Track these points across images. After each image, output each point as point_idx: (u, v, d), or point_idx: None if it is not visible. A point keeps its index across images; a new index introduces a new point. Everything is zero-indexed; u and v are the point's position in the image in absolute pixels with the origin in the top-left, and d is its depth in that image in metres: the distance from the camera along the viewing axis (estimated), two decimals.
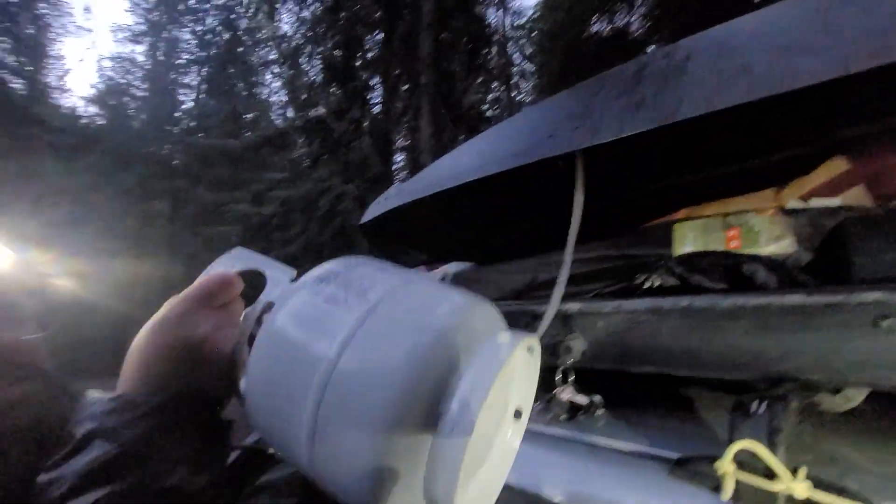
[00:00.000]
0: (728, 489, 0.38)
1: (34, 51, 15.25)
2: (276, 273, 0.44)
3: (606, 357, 0.66)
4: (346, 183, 7.60)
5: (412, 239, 1.40)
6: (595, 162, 0.68)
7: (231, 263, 0.45)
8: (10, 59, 14.28)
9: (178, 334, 0.38)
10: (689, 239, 0.72)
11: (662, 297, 0.59)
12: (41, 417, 0.46)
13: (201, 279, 0.42)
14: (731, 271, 0.63)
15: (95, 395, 0.41)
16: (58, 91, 15.87)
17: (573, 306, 0.67)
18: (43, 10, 15.48)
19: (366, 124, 9.55)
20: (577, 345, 0.68)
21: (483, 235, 1.18)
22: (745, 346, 0.50)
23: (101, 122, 16.75)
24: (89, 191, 10.39)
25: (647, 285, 0.69)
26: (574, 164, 0.69)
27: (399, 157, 11.09)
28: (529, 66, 12.72)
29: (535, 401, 0.73)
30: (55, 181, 9.09)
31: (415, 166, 8.35)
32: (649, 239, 0.75)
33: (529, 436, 0.66)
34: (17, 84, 14.30)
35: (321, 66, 10.29)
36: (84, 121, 15.73)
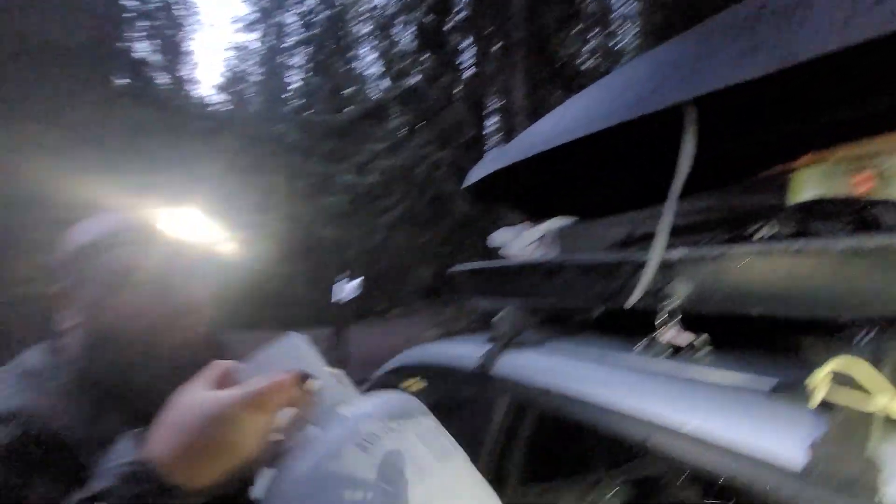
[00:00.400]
0: (817, 398, 0.41)
1: (172, 48, 17.58)
2: (323, 377, 0.44)
3: (711, 301, 0.69)
4: (441, 150, 7.78)
5: (513, 199, 1.47)
6: (705, 111, 0.68)
7: (285, 357, 0.43)
8: (156, 58, 16.65)
9: (223, 435, 0.38)
10: (809, 186, 0.70)
11: (773, 241, 0.60)
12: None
13: (260, 382, 0.40)
14: (855, 217, 0.61)
15: (126, 443, 0.41)
16: (191, 83, 18.22)
17: (677, 253, 0.70)
18: (178, 12, 17.67)
19: (458, 89, 9.56)
20: (681, 290, 0.71)
21: (584, 191, 1.21)
22: (860, 287, 0.51)
23: (227, 107, 18.93)
24: (224, 169, 11.96)
25: (758, 236, 0.69)
26: (682, 115, 0.70)
27: (492, 121, 10.97)
28: (629, 10, 11.51)
29: (636, 342, 0.78)
30: (199, 163, 10.61)
31: (508, 128, 8.22)
32: (761, 189, 0.73)
33: (630, 369, 0.72)
34: (162, 80, 16.69)
35: (413, 33, 10.42)
36: (214, 108, 17.92)
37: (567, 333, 1.02)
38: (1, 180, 1.11)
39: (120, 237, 0.58)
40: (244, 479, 0.46)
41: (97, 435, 0.50)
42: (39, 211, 1.15)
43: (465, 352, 1.07)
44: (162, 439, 0.38)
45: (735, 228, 0.72)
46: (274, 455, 0.41)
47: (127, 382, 0.56)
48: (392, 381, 1.27)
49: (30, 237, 1.14)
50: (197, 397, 0.39)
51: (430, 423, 0.47)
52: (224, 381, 0.42)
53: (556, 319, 1.08)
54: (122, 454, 0.39)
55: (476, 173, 1.32)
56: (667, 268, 0.72)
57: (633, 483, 1.23)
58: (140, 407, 0.50)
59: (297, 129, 11.64)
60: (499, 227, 1.41)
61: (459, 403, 1.04)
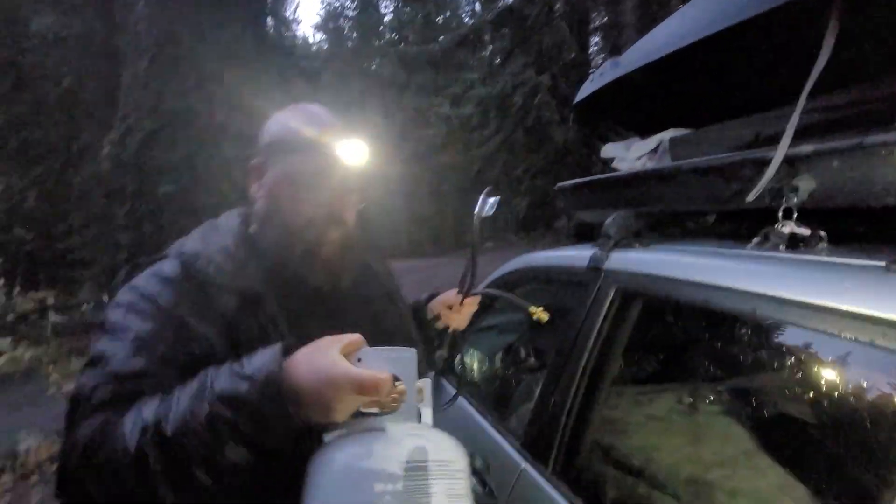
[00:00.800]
0: None
1: None
2: (410, 392, 0.52)
3: (839, 195, 0.69)
4: (540, 74, 7.37)
5: (624, 113, 1.45)
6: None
7: (395, 362, 0.52)
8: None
9: (332, 396, 0.48)
10: None
11: None
12: None
13: (370, 374, 0.48)
14: None
15: (274, 354, 0.50)
16: (293, 23, 18.87)
17: (805, 148, 0.70)
18: None
19: (558, 5, 8.74)
20: (806, 185, 0.72)
21: (699, 99, 1.17)
22: None
23: (325, 45, 19.46)
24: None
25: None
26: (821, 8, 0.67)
27: (596, 39, 9.97)
28: None
29: (747, 241, 0.81)
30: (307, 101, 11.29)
31: (615, 46, 7.44)
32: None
33: (741, 257, 0.77)
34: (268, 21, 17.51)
35: None
36: (314, 47, 18.53)
37: (676, 236, 1.07)
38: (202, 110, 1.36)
39: (308, 142, 0.69)
40: (319, 434, 0.55)
41: (242, 288, 0.63)
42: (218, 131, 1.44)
43: (573, 254, 1.17)
44: (297, 374, 0.48)
45: (866, 125, 0.69)
46: (344, 425, 0.52)
47: (280, 256, 0.68)
48: (507, 283, 1.42)
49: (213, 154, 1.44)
50: (332, 359, 0.49)
51: (459, 484, 0.52)
52: (350, 351, 0.52)
53: (667, 224, 1.12)
54: (267, 362, 0.49)
55: (588, 87, 1.33)
56: (793, 163, 0.73)
57: (733, 393, 1.28)
58: (281, 280, 0.66)
59: (392, 62, 11.72)
60: (599, 154, 1.42)
61: (566, 302, 1.16)
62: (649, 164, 1.17)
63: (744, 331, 0.91)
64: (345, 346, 0.51)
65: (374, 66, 14.92)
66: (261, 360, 0.50)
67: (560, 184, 1.45)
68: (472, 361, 1.71)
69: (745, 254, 0.78)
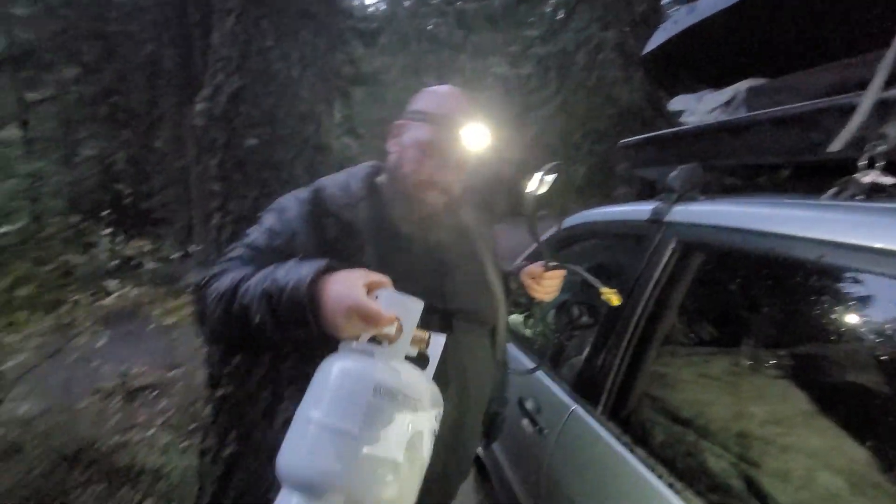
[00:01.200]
0: None
1: None
2: (407, 335, 0.60)
3: None
4: (605, 30, 6.90)
5: (698, 64, 1.38)
6: None
7: (403, 307, 0.60)
8: None
9: (346, 315, 0.57)
10: None
11: None
12: None
13: (378, 310, 0.57)
14: None
15: (319, 265, 0.61)
16: None
17: None
18: None
19: None
20: (895, 131, 0.69)
21: (780, 46, 1.09)
22: None
23: (382, 6, 19.19)
24: (379, 72, 12.61)
25: None
26: None
27: None
28: None
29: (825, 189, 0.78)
30: (365, 64, 11.36)
31: None
32: None
33: (812, 206, 0.75)
34: None
35: None
36: (371, 9, 18.36)
37: (745, 191, 1.04)
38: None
39: (438, 118, 0.80)
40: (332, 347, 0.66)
41: (346, 218, 0.78)
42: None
43: (633, 208, 1.17)
44: (323, 290, 0.59)
45: None
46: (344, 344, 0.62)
47: (390, 203, 0.84)
48: (563, 239, 1.44)
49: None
50: (353, 287, 0.58)
51: (420, 420, 0.58)
52: (374, 287, 0.61)
53: (736, 179, 1.09)
54: (304, 273, 0.61)
55: (660, 36, 1.28)
56: (883, 109, 0.69)
57: (794, 357, 1.25)
58: (383, 223, 0.80)
59: (449, 22, 11.43)
60: (665, 115, 1.36)
61: (625, 256, 1.17)
62: (722, 118, 1.13)
63: (811, 288, 0.89)
64: (370, 282, 0.60)
65: (430, 27, 14.62)
66: (303, 269, 0.62)
67: (623, 140, 1.43)
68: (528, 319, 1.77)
69: (819, 203, 0.76)
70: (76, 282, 2.47)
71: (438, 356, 0.63)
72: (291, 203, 0.81)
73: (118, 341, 2.87)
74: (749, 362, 1.35)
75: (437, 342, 0.64)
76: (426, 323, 0.64)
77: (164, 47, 7.23)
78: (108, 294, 2.45)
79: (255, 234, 0.79)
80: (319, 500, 0.51)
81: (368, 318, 0.57)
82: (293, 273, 0.62)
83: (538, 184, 0.87)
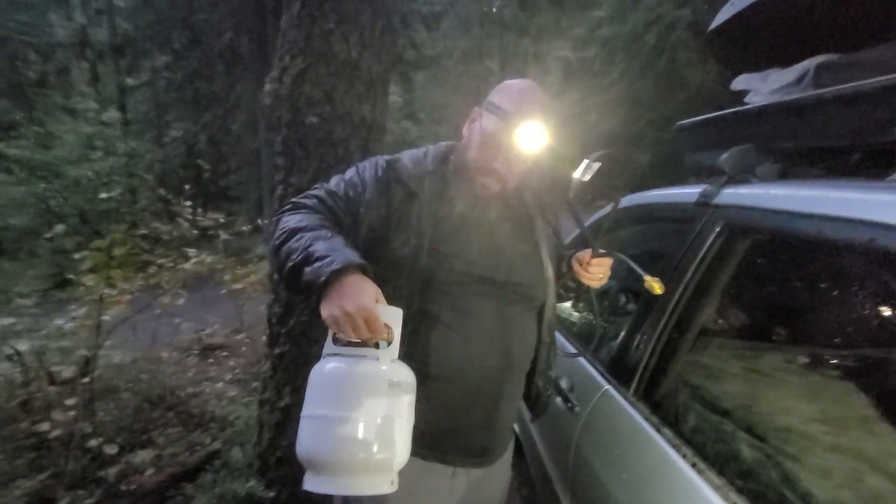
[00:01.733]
0: None
1: None
2: (394, 344, 0.72)
3: None
4: (679, 8, 6.44)
5: (763, 41, 1.29)
6: None
7: (385, 314, 0.71)
8: None
9: (355, 310, 0.67)
10: None
11: None
12: None
13: (377, 314, 0.68)
14: None
15: (351, 254, 0.73)
16: None
17: None
18: None
19: None
20: None
21: (855, 21, 1.00)
22: None
23: None
24: (441, 56, 12.61)
25: None
26: None
27: None
28: None
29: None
30: (427, 48, 11.44)
31: None
32: None
33: (882, 188, 0.70)
34: None
35: None
36: None
37: (803, 175, 0.98)
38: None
39: (504, 112, 0.86)
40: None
41: (411, 187, 0.88)
42: None
43: (682, 191, 1.13)
44: (346, 281, 0.70)
45: None
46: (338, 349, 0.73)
47: (453, 181, 0.92)
48: (620, 220, 1.42)
49: None
50: (367, 292, 0.70)
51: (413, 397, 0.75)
52: (378, 298, 0.71)
53: (795, 162, 1.03)
54: (341, 259, 0.71)
55: (727, 10, 1.21)
56: None
57: (857, 358, 1.16)
58: (444, 196, 0.88)
59: (512, 4, 11.18)
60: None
61: (670, 240, 1.14)
62: (788, 98, 1.07)
63: (877, 281, 0.83)
64: (377, 298, 0.72)
65: (493, 9, 14.38)
66: (340, 255, 0.72)
67: (680, 122, 1.38)
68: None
69: (884, 185, 0.71)
70: (162, 247, 2.78)
71: (400, 327, 0.75)
72: (372, 165, 0.92)
73: (196, 303, 3.20)
74: (806, 360, 1.28)
75: (396, 316, 0.74)
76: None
77: (241, 35, 7.72)
78: (188, 260, 2.74)
79: (336, 181, 0.91)
80: (370, 476, 0.68)
81: (371, 324, 0.68)
82: (335, 253, 0.72)
83: (584, 170, 0.88)
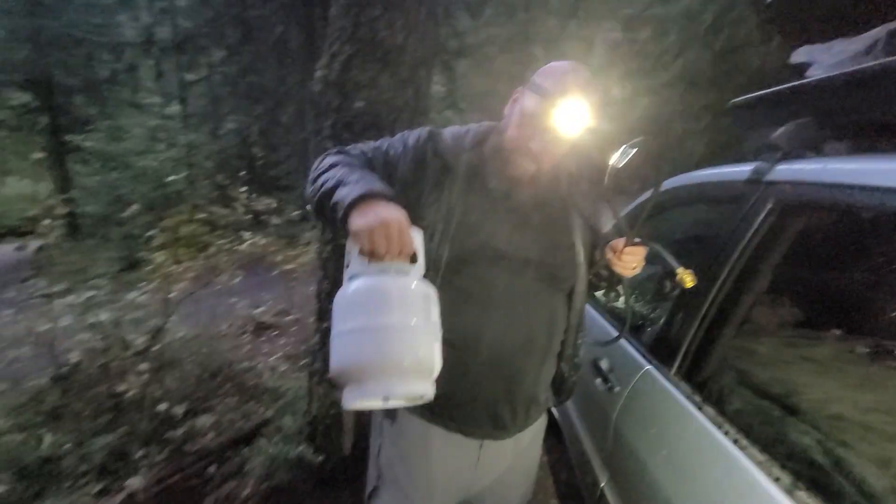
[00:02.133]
0: None
1: None
2: (420, 261, 0.76)
3: None
4: None
5: (827, 9, 1.21)
6: None
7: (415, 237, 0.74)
8: None
9: (381, 228, 0.70)
10: None
11: None
12: None
13: (407, 235, 0.71)
14: None
15: (378, 185, 0.78)
16: None
17: None
18: None
19: None
20: None
21: None
22: None
23: None
24: (484, 44, 12.41)
25: None
26: None
27: None
28: None
29: None
30: (470, 36, 11.31)
31: None
32: None
33: None
34: None
35: None
36: None
37: (862, 150, 0.92)
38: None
39: (544, 92, 0.84)
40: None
41: (447, 160, 0.90)
42: None
43: (734, 169, 1.10)
44: (380, 200, 0.74)
45: None
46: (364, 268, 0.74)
47: (490, 158, 0.93)
48: (663, 203, 1.39)
49: None
50: (402, 214, 0.72)
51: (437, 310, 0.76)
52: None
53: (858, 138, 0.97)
54: (369, 187, 0.75)
55: None
56: None
57: None
58: (479, 171, 0.90)
59: None
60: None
61: (719, 220, 1.11)
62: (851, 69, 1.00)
63: None
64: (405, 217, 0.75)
65: None
66: (378, 184, 0.77)
67: (734, 100, 1.32)
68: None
69: None
70: (220, 230, 2.97)
71: (422, 248, 0.78)
72: (414, 135, 0.95)
73: (250, 282, 3.41)
74: (865, 350, 1.21)
75: (420, 238, 0.78)
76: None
77: (290, 28, 7.98)
78: (243, 242, 2.92)
79: (381, 141, 0.96)
80: (415, 379, 0.69)
81: (404, 235, 0.71)
82: (368, 180, 0.78)
83: (619, 157, 0.86)
